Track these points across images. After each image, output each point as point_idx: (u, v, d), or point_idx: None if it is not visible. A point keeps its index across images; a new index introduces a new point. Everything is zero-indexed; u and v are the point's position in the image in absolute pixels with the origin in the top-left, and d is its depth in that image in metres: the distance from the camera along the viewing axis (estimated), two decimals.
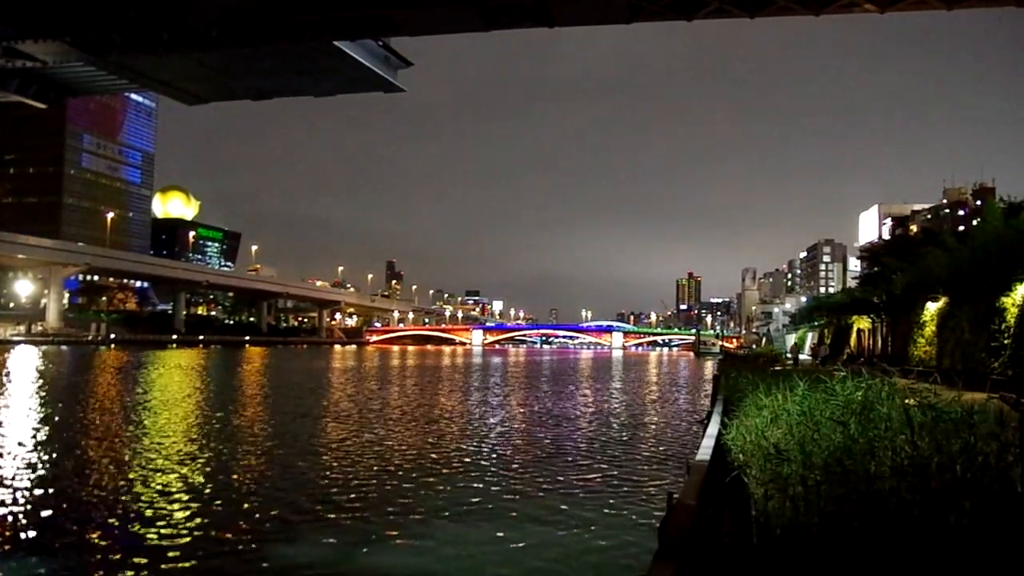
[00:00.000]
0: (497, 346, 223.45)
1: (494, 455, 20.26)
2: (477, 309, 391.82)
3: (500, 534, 12.11)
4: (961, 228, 60.92)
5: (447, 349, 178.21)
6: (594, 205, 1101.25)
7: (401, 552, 11.16)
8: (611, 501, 14.63)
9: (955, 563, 4.40)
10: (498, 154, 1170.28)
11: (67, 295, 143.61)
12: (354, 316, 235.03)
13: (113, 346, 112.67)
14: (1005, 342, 24.77)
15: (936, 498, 4.98)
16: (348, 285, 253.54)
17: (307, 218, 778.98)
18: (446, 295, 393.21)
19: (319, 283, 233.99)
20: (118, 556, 10.58)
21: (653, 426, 28.31)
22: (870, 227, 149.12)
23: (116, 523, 12.26)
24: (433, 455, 19.89)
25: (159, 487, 14.99)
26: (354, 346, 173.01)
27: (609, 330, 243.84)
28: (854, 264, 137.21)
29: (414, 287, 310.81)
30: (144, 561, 10.33)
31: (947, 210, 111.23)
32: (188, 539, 11.38)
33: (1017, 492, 5.70)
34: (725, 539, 7.16)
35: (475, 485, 16.02)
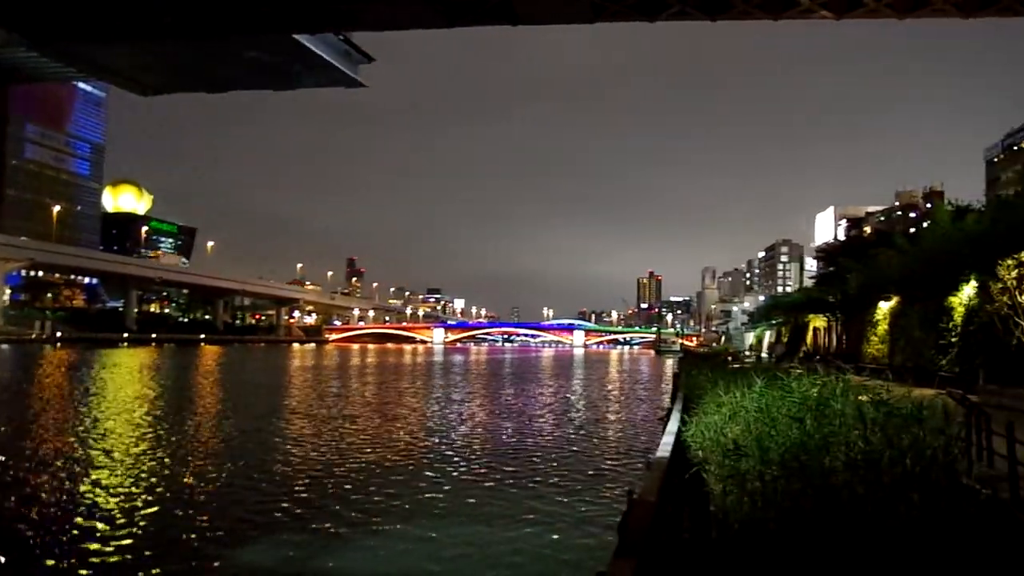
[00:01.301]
0: (459, 344, 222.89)
1: (455, 454, 20.18)
2: (438, 307, 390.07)
3: (463, 532, 12.08)
4: (912, 229, 62.74)
5: (408, 347, 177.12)
6: (556, 204, 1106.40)
7: (362, 552, 11.06)
8: (573, 498, 14.69)
9: (905, 554, 4.52)
10: (461, 152, 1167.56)
11: (8, 292, 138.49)
12: (313, 314, 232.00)
13: (59, 345, 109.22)
14: (952, 340, 25.59)
15: (887, 491, 5.11)
16: (307, 282, 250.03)
17: (266, 214, 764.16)
18: (407, 293, 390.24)
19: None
20: (73, 564, 10.28)
21: (614, 423, 28.54)
22: (826, 228, 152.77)
23: (68, 532, 11.89)
24: (394, 455, 19.75)
25: (112, 492, 14.60)
26: (313, 345, 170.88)
27: (571, 328, 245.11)
28: (811, 264, 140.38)
29: (375, 285, 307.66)
30: (101, 570, 10.06)
31: (899, 212, 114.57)
32: (147, 544, 11.11)
33: (962, 484, 5.89)
34: (685, 535, 7.24)
35: (436, 484, 15.95)
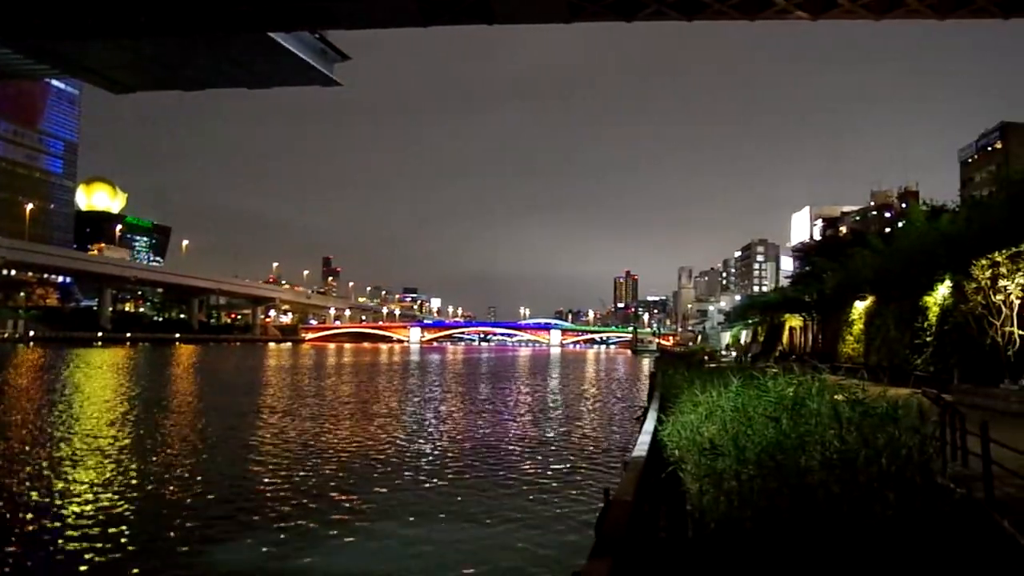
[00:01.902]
0: (435, 344, 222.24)
1: (434, 453, 20.06)
2: (415, 306, 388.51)
3: (443, 530, 11.99)
4: (888, 229, 63.50)
5: (384, 347, 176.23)
6: (534, 203, 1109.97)
7: (342, 550, 10.95)
8: (550, 496, 14.64)
9: (880, 552, 4.50)
10: (437, 151, 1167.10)
11: None
12: (289, 313, 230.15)
13: (32, 344, 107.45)
14: (927, 339, 25.91)
15: (863, 490, 5.11)
16: (284, 282, 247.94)
17: (242, 213, 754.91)
18: (383, 292, 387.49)
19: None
20: (50, 565, 10.07)
21: (591, 423, 28.55)
22: (802, 228, 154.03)
23: (42, 533, 11.62)
24: (373, 454, 19.58)
25: (87, 492, 14.30)
26: (289, 344, 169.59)
27: (547, 328, 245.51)
28: (787, 263, 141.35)
29: (351, 284, 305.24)
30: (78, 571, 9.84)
31: (874, 212, 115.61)
32: (125, 543, 10.88)
33: (937, 483, 5.92)
34: (661, 534, 7.20)
35: (415, 482, 15.84)
